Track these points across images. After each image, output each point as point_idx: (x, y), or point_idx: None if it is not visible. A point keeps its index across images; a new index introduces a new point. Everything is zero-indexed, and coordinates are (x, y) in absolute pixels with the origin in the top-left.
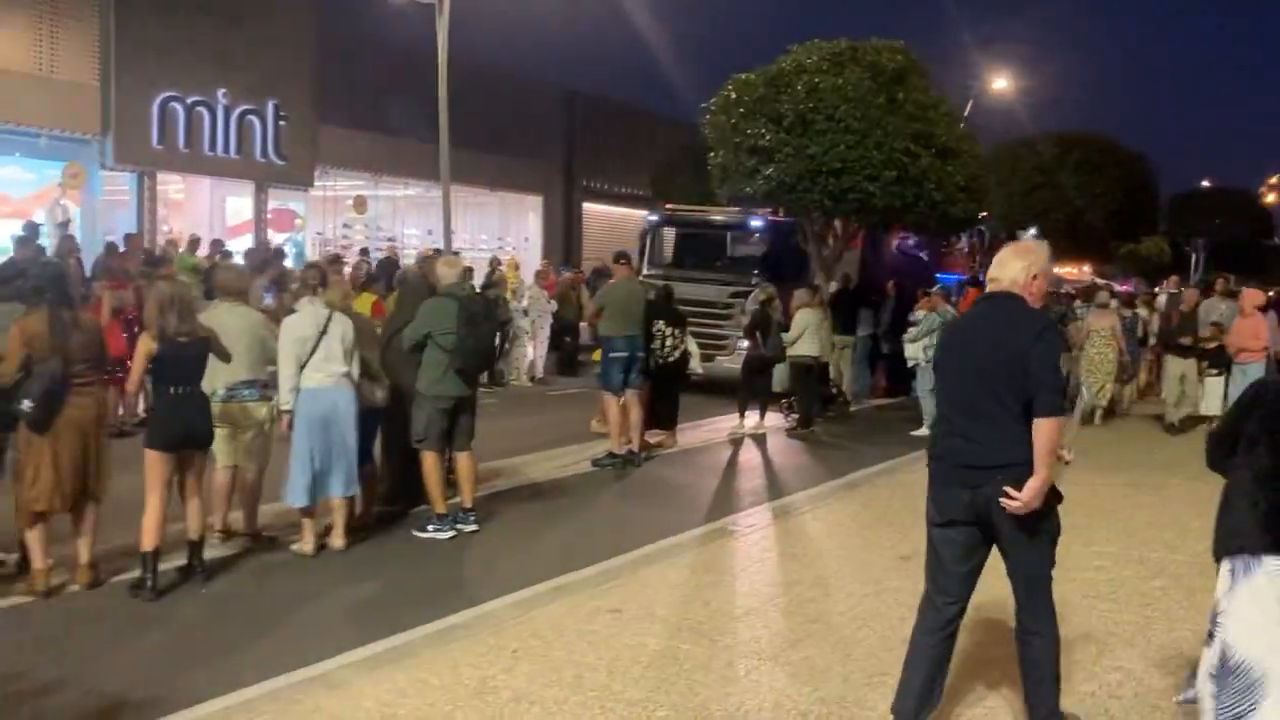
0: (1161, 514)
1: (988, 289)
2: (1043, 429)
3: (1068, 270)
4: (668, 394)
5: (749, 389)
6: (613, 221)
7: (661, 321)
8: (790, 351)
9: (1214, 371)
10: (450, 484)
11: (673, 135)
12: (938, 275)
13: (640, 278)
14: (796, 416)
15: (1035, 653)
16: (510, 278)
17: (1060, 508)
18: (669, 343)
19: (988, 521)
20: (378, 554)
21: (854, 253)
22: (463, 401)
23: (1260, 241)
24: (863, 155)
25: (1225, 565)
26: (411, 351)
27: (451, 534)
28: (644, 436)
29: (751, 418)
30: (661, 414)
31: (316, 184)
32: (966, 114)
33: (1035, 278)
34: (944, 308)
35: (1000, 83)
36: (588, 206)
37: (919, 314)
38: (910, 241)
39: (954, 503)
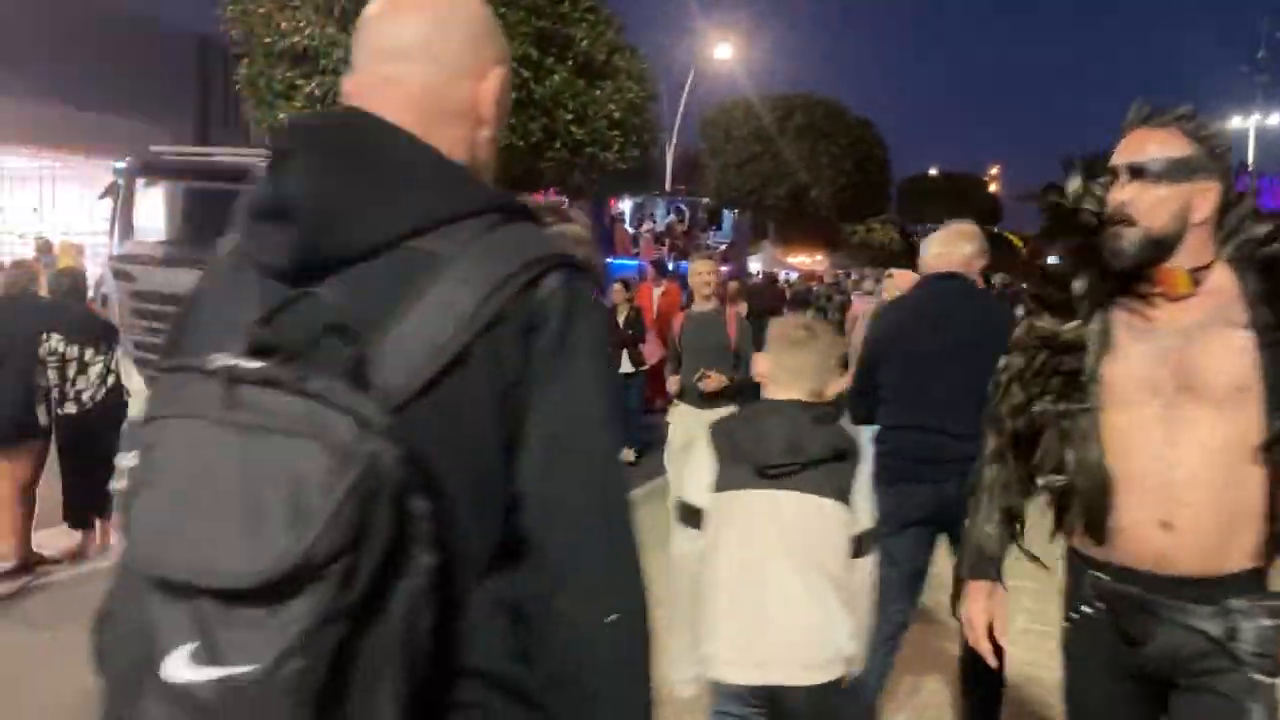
0: None
1: (933, 269)
2: None
3: (800, 260)
4: (87, 464)
5: None
6: None
7: (57, 336)
8: None
9: None
10: None
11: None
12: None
13: (112, 262)
14: None
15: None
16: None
17: None
18: (75, 373)
19: (945, 517)
20: None
21: None
22: None
23: (989, 229)
24: None
25: None
26: None
27: None
28: (29, 544)
29: None
30: (78, 500)
31: None
32: (688, 86)
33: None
34: None
35: (723, 48)
36: None
37: None
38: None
39: (914, 499)
